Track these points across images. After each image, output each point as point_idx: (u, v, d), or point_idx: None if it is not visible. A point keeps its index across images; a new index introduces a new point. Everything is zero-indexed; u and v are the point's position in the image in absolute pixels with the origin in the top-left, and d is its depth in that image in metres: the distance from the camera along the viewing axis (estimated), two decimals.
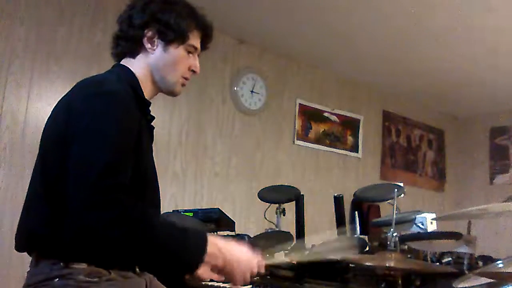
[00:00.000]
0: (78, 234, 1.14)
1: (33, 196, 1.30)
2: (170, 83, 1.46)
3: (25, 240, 1.30)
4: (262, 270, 1.34)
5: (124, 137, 1.22)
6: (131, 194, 1.16)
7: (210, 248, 1.21)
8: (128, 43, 1.43)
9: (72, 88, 1.35)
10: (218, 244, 1.24)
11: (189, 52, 1.47)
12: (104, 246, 1.16)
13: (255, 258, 1.32)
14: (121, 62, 1.45)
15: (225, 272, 1.27)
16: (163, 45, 1.43)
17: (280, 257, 1.54)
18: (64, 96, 1.36)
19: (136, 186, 1.25)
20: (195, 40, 1.47)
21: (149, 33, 1.41)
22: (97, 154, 1.16)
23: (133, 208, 1.14)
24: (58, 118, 1.30)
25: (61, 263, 1.22)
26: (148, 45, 1.42)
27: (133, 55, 1.43)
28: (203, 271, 1.24)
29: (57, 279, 1.22)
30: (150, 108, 1.45)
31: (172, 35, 1.42)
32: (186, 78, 1.48)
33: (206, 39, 1.52)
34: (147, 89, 1.44)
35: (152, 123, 1.47)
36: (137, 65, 1.43)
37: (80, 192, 1.13)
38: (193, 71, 1.49)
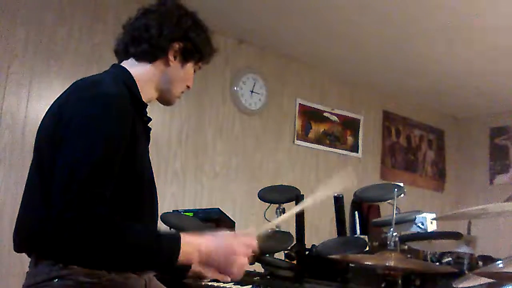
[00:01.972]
0: (57, 242, 1.15)
1: (30, 197, 1.30)
2: (173, 95, 1.50)
3: (24, 241, 1.30)
4: (254, 247, 1.30)
5: (112, 144, 1.21)
6: (108, 205, 1.16)
7: (184, 247, 1.20)
8: (152, 49, 1.42)
9: (67, 89, 1.35)
10: (191, 241, 1.23)
11: (193, 71, 1.52)
12: (79, 257, 1.18)
13: (240, 240, 1.28)
14: (125, 63, 1.44)
15: (209, 266, 1.25)
16: (182, 61, 1.46)
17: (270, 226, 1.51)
18: (60, 96, 1.35)
19: (133, 188, 1.25)
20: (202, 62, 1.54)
21: (176, 47, 1.43)
22: (81, 163, 1.15)
23: (103, 220, 1.13)
24: (52, 119, 1.29)
25: (61, 264, 1.22)
26: (171, 57, 1.43)
27: (151, 61, 1.43)
28: (202, 270, 1.24)
29: (57, 279, 1.22)
30: (148, 109, 1.45)
31: (195, 55, 1.47)
32: (182, 93, 1.54)
33: (205, 64, 1.56)
34: (145, 93, 1.43)
35: (149, 124, 1.47)
36: (146, 70, 1.42)
37: (58, 202, 1.13)
38: (187, 87, 1.55)
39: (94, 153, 1.17)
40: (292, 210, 1.62)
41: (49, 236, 1.15)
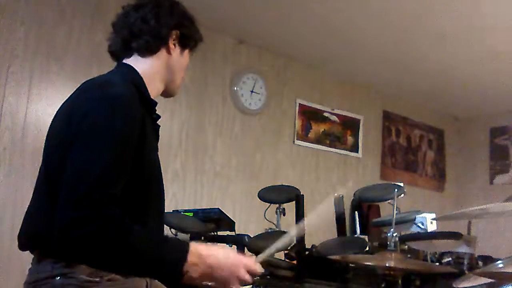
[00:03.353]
0: (63, 244, 1.14)
1: (38, 198, 1.31)
2: (176, 85, 1.52)
3: (28, 239, 1.31)
4: (256, 272, 1.30)
5: (122, 144, 1.21)
6: (120, 205, 1.16)
7: (190, 258, 1.20)
8: (154, 39, 1.43)
9: (75, 90, 1.35)
10: (199, 252, 1.22)
11: None
12: (85, 259, 1.17)
13: (242, 261, 1.28)
14: (128, 60, 1.44)
15: (210, 279, 1.25)
16: (180, 49, 1.48)
17: (270, 252, 1.52)
18: (68, 98, 1.35)
19: (140, 186, 1.25)
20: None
21: (174, 35, 1.45)
22: (91, 164, 1.15)
23: (113, 222, 1.13)
24: (62, 123, 1.29)
25: (63, 262, 1.22)
26: (171, 45, 1.45)
27: (154, 53, 1.44)
28: (188, 277, 1.23)
29: (59, 277, 1.22)
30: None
31: (191, 42, 1.50)
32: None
33: (193, 51, 1.57)
34: (153, 88, 1.44)
35: (158, 122, 1.47)
36: (150, 63, 1.43)
37: (66, 204, 1.13)
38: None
39: (104, 154, 1.17)
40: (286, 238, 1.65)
41: (56, 234, 1.14)
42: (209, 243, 1.32)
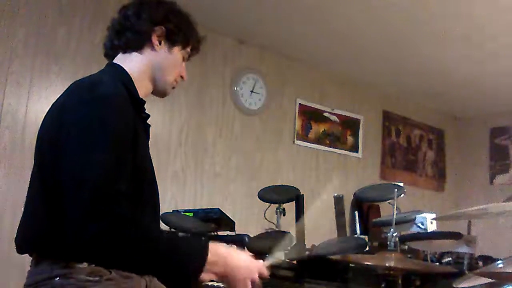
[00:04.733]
0: (76, 245, 1.14)
1: (32, 201, 1.30)
2: (167, 83, 1.49)
3: (25, 242, 1.30)
4: (265, 276, 1.33)
5: (118, 143, 1.21)
6: (130, 202, 1.16)
7: (210, 256, 1.21)
8: (136, 36, 1.42)
9: (66, 89, 1.34)
10: (218, 252, 1.24)
11: (183, 59, 1.51)
12: (102, 259, 1.17)
13: (256, 264, 1.32)
14: (116, 59, 1.44)
15: (226, 279, 1.27)
16: (168, 45, 1.46)
17: (280, 257, 1.54)
18: (58, 99, 1.35)
19: (133, 186, 1.25)
20: (190, 48, 1.52)
21: (159, 31, 1.44)
22: (92, 164, 1.15)
23: (130, 221, 1.14)
24: (53, 122, 1.29)
25: (62, 263, 1.22)
26: (155, 41, 1.44)
27: (137, 49, 1.43)
28: (204, 276, 1.24)
29: (58, 278, 1.22)
30: (148, 110, 1.44)
31: (179, 38, 1.46)
32: (176, 82, 1.52)
33: (194, 52, 1.55)
34: (142, 87, 1.43)
35: (148, 121, 1.46)
36: (136, 61, 1.43)
37: (76, 206, 1.12)
38: (181, 78, 1.53)
39: (103, 153, 1.17)
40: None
41: (67, 234, 1.13)
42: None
